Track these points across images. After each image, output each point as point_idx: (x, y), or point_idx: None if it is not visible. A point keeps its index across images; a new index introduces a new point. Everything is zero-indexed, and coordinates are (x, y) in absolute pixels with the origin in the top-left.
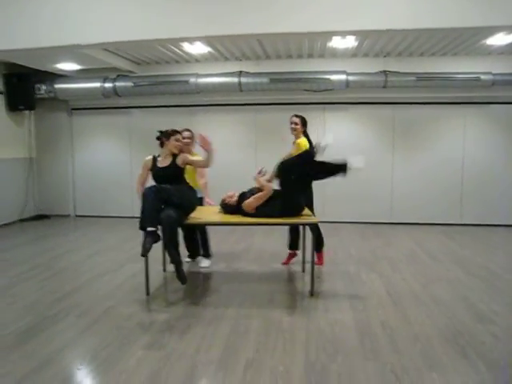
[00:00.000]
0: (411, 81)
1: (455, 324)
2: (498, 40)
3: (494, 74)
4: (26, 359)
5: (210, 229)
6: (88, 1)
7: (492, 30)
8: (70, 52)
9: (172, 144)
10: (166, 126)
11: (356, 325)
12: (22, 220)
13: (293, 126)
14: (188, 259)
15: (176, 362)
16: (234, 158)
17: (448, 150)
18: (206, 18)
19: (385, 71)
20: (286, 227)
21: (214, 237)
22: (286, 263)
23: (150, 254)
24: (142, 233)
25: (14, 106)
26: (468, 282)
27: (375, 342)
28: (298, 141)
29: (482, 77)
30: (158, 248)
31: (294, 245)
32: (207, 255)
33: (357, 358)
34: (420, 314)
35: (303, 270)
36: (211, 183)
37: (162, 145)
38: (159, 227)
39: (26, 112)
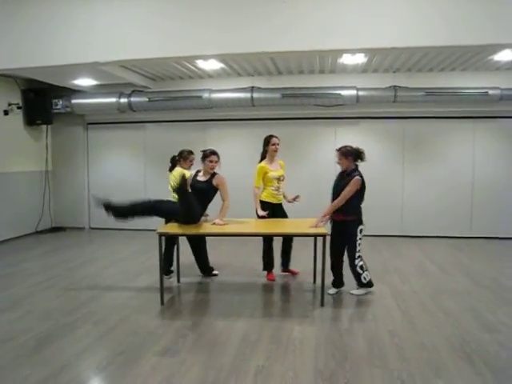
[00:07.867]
0: (420, 96)
1: (462, 334)
2: (505, 56)
3: (502, 89)
4: (45, 364)
5: (223, 241)
6: (106, 20)
7: (499, 47)
8: (88, 69)
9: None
10: (180, 141)
11: (364, 334)
12: (38, 232)
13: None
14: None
15: (189, 369)
16: (247, 172)
17: (458, 164)
18: (219, 37)
19: (394, 86)
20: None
21: (227, 249)
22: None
23: None
24: (155, 244)
25: (31, 120)
26: (477, 294)
27: (383, 350)
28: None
29: (490, 92)
30: (174, 262)
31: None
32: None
33: (364, 365)
34: (428, 324)
35: (314, 281)
36: None
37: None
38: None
39: (44, 126)
